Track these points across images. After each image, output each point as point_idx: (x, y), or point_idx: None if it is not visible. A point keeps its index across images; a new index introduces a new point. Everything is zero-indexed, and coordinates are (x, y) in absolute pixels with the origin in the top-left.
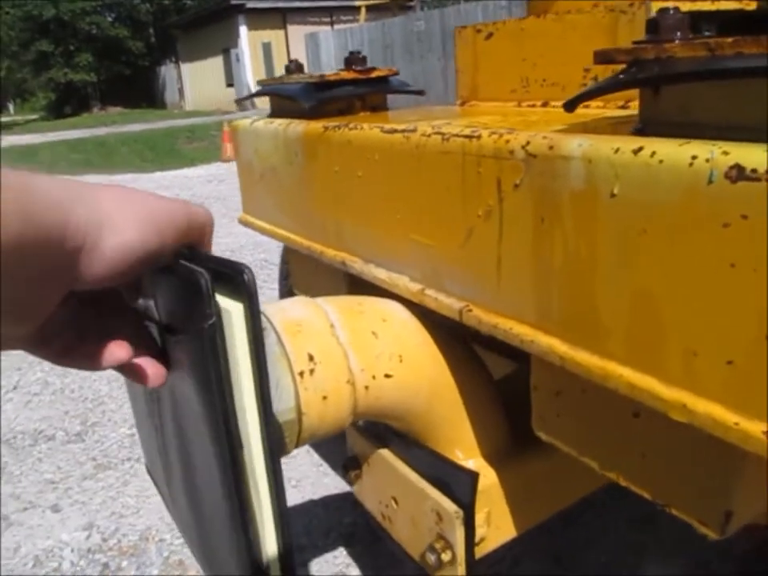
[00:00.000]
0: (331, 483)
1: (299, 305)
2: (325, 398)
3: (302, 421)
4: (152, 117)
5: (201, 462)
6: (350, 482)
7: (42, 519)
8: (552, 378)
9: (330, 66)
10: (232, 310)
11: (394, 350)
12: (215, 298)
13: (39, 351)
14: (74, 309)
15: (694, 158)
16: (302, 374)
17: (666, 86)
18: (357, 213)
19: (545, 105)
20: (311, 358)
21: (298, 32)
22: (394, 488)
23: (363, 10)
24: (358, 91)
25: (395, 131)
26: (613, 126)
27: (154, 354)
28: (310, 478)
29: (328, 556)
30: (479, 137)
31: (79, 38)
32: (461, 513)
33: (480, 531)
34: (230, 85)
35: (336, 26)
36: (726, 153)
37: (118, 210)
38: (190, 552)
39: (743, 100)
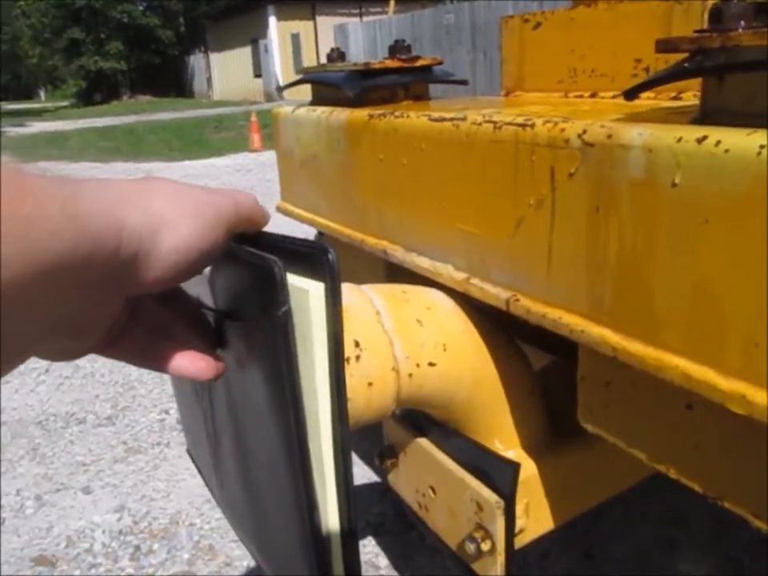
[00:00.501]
0: (360, 473)
1: (345, 291)
2: (370, 384)
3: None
4: (180, 106)
5: (262, 452)
6: (387, 471)
7: (74, 501)
8: (601, 369)
9: (359, 57)
10: (310, 289)
11: (439, 338)
12: (287, 285)
13: (112, 354)
14: (135, 307)
15: (762, 147)
16: (348, 360)
17: (730, 74)
18: (400, 201)
19: (593, 96)
20: (357, 344)
21: (326, 23)
22: (431, 477)
23: (392, 1)
24: (402, 80)
25: (444, 119)
26: (670, 116)
27: (207, 344)
28: None
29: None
30: (533, 125)
31: (110, 26)
32: (501, 503)
33: (519, 522)
34: (257, 75)
35: (365, 18)
36: None
37: (169, 208)
38: (240, 540)
39: None
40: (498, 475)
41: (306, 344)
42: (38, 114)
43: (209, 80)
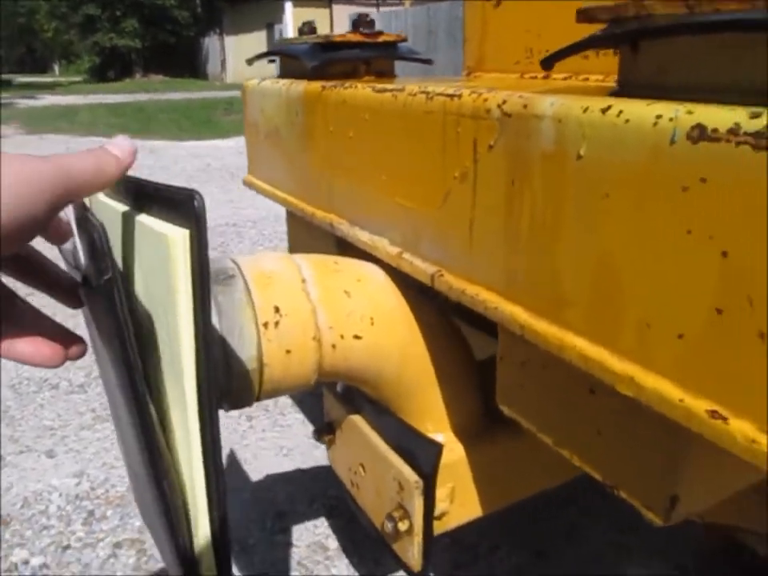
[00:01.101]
0: (321, 455)
1: (274, 258)
2: (288, 351)
3: (264, 372)
4: (193, 87)
5: (126, 426)
6: (327, 448)
7: (37, 463)
8: (517, 349)
9: None
10: (171, 236)
11: (366, 311)
12: (110, 252)
13: None
14: None
15: (658, 117)
16: (266, 324)
17: (644, 43)
18: (346, 174)
19: (546, 77)
20: (277, 309)
21: (342, 12)
22: (362, 455)
23: None
24: (363, 54)
25: (385, 90)
26: (594, 91)
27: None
28: (301, 447)
29: (309, 524)
30: (460, 96)
31: (126, 3)
32: (420, 483)
33: (441, 505)
34: (271, 60)
35: (381, 9)
36: (690, 112)
37: None
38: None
39: (718, 58)
40: (421, 455)
41: (168, 295)
42: (50, 88)
43: (223, 62)
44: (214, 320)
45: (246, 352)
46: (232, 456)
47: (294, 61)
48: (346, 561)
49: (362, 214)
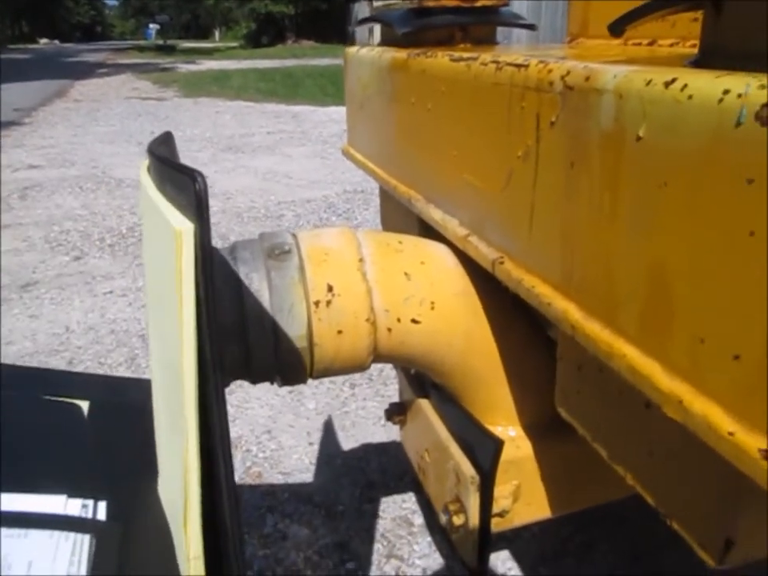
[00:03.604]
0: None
1: (335, 234)
2: (340, 332)
3: (314, 352)
4: (341, 53)
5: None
6: (400, 429)
7: None
8: (575, 350)
9: None
10: (182, 230)
11: (426, 295)
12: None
13: None
14: None
15: (725, 92)
16: (317, 303)
17: (728, 3)
18: (424, 149)
19: (651, 44)
20: (330, 288)
21: None
22: (427, 440)
23: None
24: (458, 20)
25: (461, 59)
26: (675, 60)
27: None
28: None
29: (397, 498)
30: (527, 66)
31: None
32: (477, 478)
33: (503, 503)
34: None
35: None
36: (763, 86)
37: None
38: None
39: None
40: (480, 450)
41: (172, 286)
42: (209, 54)
43: (371, 28)
44: (265, 296)
45: (295, 330)
46: (330, 422)
47: (390, 28)
48: (428, 539)
49: (436, 191)
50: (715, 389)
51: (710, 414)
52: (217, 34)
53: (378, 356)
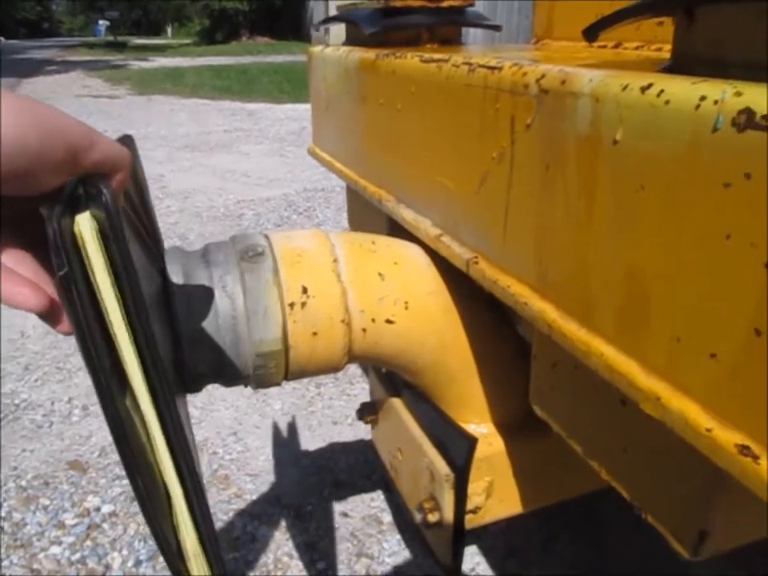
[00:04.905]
0: None
1: (307, 236)
2: (315, 333)
3: (290, 354)
4: (296, 50)
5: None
6: (371, 428)
7: None
8: (549, 349)
9: None
10: (84, 231)
11: (400, 295)
12: (65, 247)
13: None
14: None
15: (702, 98)
16: (292, 305)
17: (700, 10)
18: (394, 149)
19: (617, 46)
20: (305, 290)
21: None
22: (400, 439)
23: None
24: (425, 20)
25: (432, 60)
26: (647, 65)
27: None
28: None
29: (365, 497)
30: (501, 68)
31: None
32: (451, 476)
33: (476, 500)
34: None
35: None
36: (739, 94)
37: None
38: None
39: None
40: (454, 447)
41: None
42: (161, 50)
43: (326, 27)
44: (239, 299)
45: (270, 333)
46: (296, 422)
47: (356, 27)
48: (398, 536)
49: (407, 192)
50: (692, 386)
51: (687, 410)
52: (169, 30)
53: (353, 356)
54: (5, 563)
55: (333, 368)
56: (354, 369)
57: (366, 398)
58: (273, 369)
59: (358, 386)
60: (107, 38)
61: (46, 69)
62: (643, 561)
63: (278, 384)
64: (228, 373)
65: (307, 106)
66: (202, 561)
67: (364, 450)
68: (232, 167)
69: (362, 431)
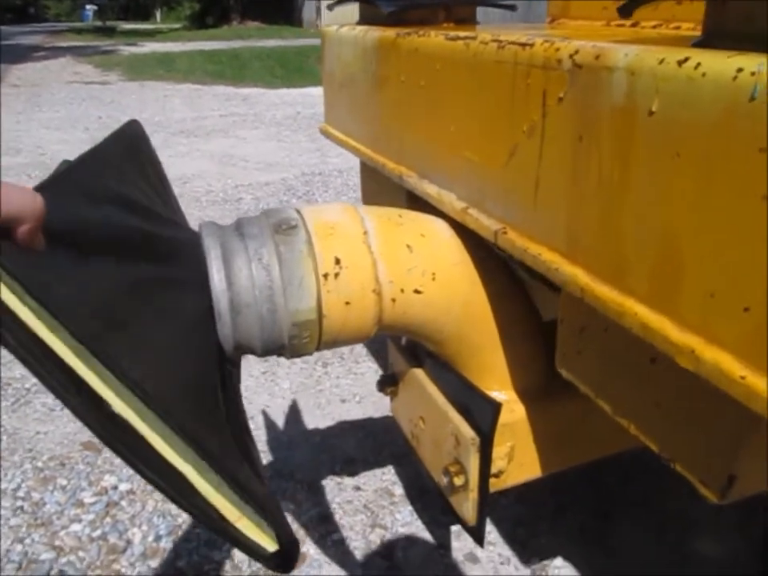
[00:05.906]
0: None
1: (338, 209)
2: (348, 303)
3: (323, 323)
4: (288, 34)
5: None
6: (390, 400)
7: None
8: (577, 313)
9: None
10: None
11: (428, 266)
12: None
13: None
14: None
15: (739, 71)
16: (326, 275)
17: None
18: (417, 125)
19: (634, 25)
20: (338, 261)
21: None
22: (422, 408)
23: None
24: (442, 0)
25: (457, 38)
26: (678, 41)
27: None
28: (374, 396)
29: (377, 471)
30: (532, 45)
31: None
32: (477, 440)
33: (499, 464)
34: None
35: None
36: None
37: None
38: None
39: None
40: (479, 412)
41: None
42: (151, 35)
43: (318, 9)
44: (275, 270)
45: (305, 302)
46: (305, 401)
47: (372, 7)
48: (410, 507)
49: (431, 167)
50: (726, 339)
51: (721, 361)
52: (158, 14)
53: (382, 326)
54: (27, 541)
55: (363, 337)
56: (359, 348)
57: (373, 377)
58: (307, 338)
59: (364, 365)
60: (95, 23)
61: (35, 55)
62: (648, 532)
63: (310, 353)
64: (266, 342)
65: (301, 91)
66: (246, 521)
67: (373, 427)
68: (229, 152)
69: (370, 409)
